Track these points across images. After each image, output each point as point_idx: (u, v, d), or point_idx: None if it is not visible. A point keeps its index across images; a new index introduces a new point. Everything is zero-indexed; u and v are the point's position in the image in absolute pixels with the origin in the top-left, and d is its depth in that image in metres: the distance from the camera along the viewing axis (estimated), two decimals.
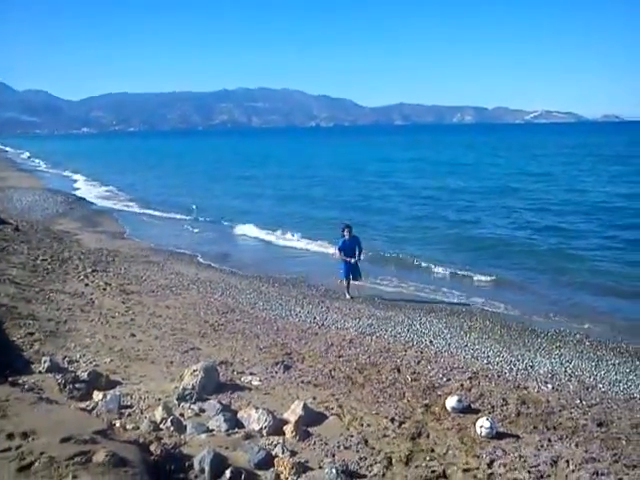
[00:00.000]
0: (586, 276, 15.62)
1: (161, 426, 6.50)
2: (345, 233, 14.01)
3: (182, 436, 6.34)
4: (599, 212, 26.24)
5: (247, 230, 23.80)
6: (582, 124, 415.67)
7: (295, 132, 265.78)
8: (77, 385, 7.36)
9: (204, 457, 5.51)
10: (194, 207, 29.34)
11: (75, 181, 47.01)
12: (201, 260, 18.11)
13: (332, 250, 17.71)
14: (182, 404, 7.37)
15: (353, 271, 14.18)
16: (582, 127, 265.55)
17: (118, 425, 6.22)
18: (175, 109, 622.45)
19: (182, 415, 7.02)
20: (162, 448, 5.44)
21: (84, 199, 33.93)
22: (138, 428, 6.34)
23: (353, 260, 14.07)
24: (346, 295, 14.08)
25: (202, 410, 7.20)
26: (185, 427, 6.58)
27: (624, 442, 6.92)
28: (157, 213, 29.51)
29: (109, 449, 4.46)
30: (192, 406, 7.31)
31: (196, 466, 5.49)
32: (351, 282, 14.28)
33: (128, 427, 6.29)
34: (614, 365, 9.80)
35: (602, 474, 6.02)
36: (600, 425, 7.40)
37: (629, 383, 9.02)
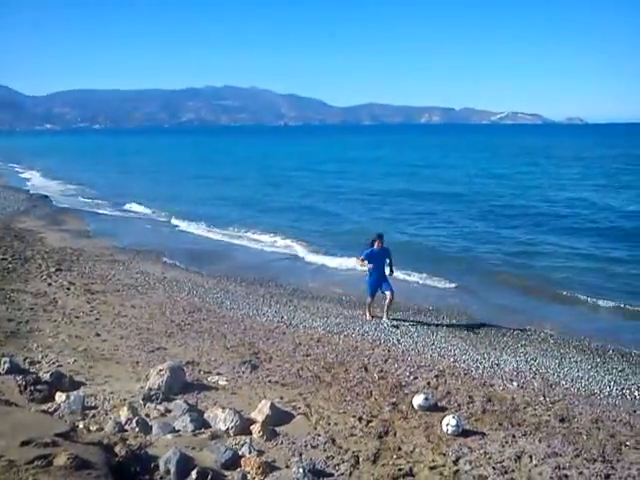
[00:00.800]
0: (545, 278, 15.78)
1: (126, 427, 6.41)
2: (376, 244, 12.08)
3: (148, 437, 6.26)
4: (551, 216, 26.22)
5: (200, 229, 23.98)
6: (547, 126, 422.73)
7: (262, 131, 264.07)
8: (38, 387, 7.22)
9: (170, 458, 5.45)
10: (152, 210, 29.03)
11: (37, 178, 46.06)
12: (167, 259, 17.89)
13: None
14: (148, 404, 7.28)
15: (382, 284, 12.21)
16: (547, 129, 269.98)
17: (81, 427, 6.12)
18: (142, 107, 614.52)
19: (148, 415, 6.94)
20: (127, 449, 5.36)
21: (47, 197, 33.24)
22: (102, 429, 6.24)
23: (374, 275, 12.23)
24: (366, 315, 12.39)
25: (168, 410, 7.12)
26: (151, 427, 6.50)
27: (585, 437, 7.05)
28: (123, 212, 29.12)
29: (71, 452, 4.38)
30: (158, 406, 7.23)
31: (162, 467, 5.42)
32: (380, 299, 12.44)
33: (92, 428, 6.19)
34: (576, 362, 9.98)
35: (564, 468, 6.13)
36: (562, 421, 7.53)
37: (590, 379, 9.19)
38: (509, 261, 17.63)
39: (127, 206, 30.39)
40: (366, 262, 12.13)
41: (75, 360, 8.82)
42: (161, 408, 7.17)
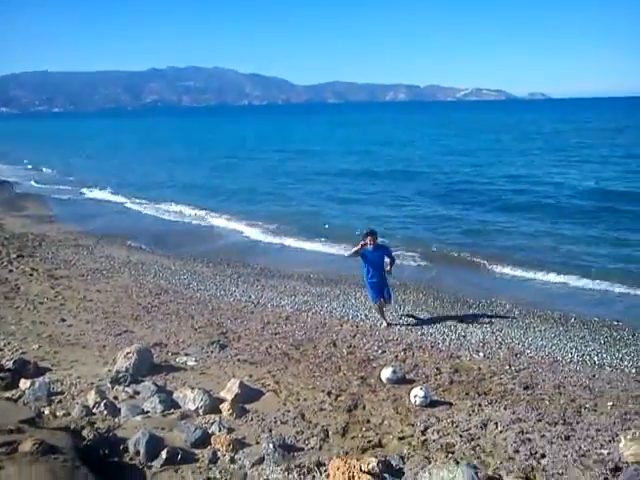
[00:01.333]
0: (505, 255, 15.96)
1: (94, 410, 6.39)
2: (368, 241, 10.21)
3: (116, 419, 6.25)
4: (509, 193, 26.20)
5: (177, 209, 23.87)
6: (510, 102, 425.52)
7: (226, 111, 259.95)
8: (1, 374, 7.12)
9: (139, 439, 5.46)
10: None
11: None
12: (132, 243, 17.68)
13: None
14: (116, 387, 7.25)
15: (382, 289, 10.56)
16: (510, 105, 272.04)
17: (47, 413, 6.08)
18: (102, 89, 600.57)
19: (116, 398, 6.92)
20: (95, 432, 5.36)
21: (7, 182, 32.47)
22: (69, 414, 6.21)
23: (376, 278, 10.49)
24: (383, 323, 10.55)
25: (137, 392, 7.11)
26: (119, 410, 6.49)
27: (547, 402, 7.26)
28: (85, 196, 28.71)
29: (37, 437, 4.35)
30: (126, 389, 7.21)
31: (131, 448, 5.43)
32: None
33: (58, 414, 6.15)
34: (540, 331, 10.20)
35: (527, 433, 6.31)
36: (526, 388, 7.72)
37: (553, 347, 9.42)
38: (469, 238, 17.73)
39: (89, 190, 29.90)
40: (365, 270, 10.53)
41: (40, 346, 8.72)
42: (129, 390, 7.15)
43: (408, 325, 10.52)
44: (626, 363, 8.79)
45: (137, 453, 5.37)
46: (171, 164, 41.66)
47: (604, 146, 44.69)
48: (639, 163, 33.88)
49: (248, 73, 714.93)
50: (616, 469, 5.48)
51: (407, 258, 15.40)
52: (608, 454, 5.80)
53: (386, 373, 7.85)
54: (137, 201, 26.28)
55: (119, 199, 27.27)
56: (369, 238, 10.21)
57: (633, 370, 8.55)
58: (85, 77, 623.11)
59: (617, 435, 6.13)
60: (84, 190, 30.08)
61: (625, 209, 20.85)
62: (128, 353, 7.77)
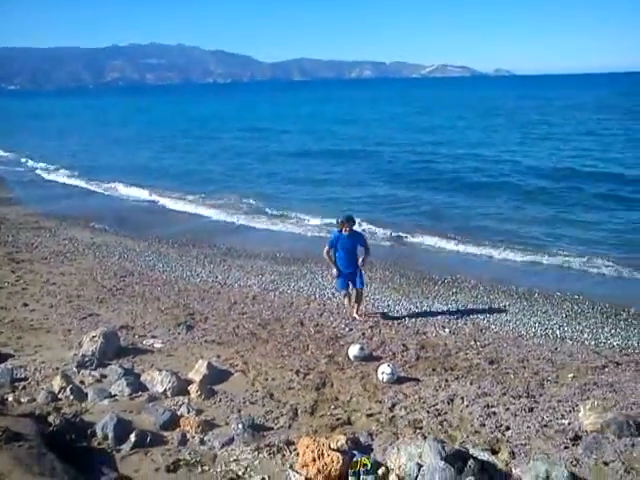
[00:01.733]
0: (471, 227, 16.36)
1: (60, 396, 6.31)
2: (344, 228, 9.52)
3: (83, 404, 6.20)
4: (468, 171, 26.38)
5: (138, 191, 23.56)
6: (475, 78, 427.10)
7: (190, 89, 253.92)
8: None
9: (107, 423, 5.43)
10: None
11: None
12: (96, 224, 17.37)
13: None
14: (82, 371, 7.18)
15: (352, 278, 9.80)
16: (475, 82, 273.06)
17: (11, 399, 5.98)
18: (62, 66, 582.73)
19: (82, 383, 6.84)
20: (61, 418, 5.30)
21: None
22: (34, 400, 6.12)
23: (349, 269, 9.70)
24: (353, 314, 9.85)
25: (103, 376, 7.05)
26: (86, 395, 6.43)
27: (512, 376, 7.44)
28: (47, 177, 28.09)
29: (0, 425, 4.28)
30: (93, 372, 7.14)
31: (99, 433, 5.40)
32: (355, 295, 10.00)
33: (23, 400, 6.06)
34: (505, 307, 10.40)
35: (492, 406, 6.46)
36: (492, 363, 7.89)
37: (517, 322, 9.63)
38: (432, 218, 17.83)
39: (49, 172, 29.26)
40: (333, 252, 9.68)
41: (1, 332, 8.55)
42: (96, 374, 7.08)
43: (375, 302, 10.61)
44: (586, 336, 9.06)
45: (105, 437, 5.34)
46: (132, 145, 40.94)
47: (567, 124, 45.22)
48: (598, 140, 34.44)
49: (213, 50, 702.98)
50: (576, 438, 5.67)
51: (372, 237, 15.43)
52: (569, 424, 5.99)
53: (353, 350, 7.92)
54: (99, 183, 25.71)
55: (80, 181, 26.67)
56: (344, 225, 9.49)
57: (592, 342, 8.82)
58: (43, 53, 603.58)
59: (577, 405, 6.33)
60: (43, 172, 29.45)
61: (582, 187, 21.25)
62: (94, 336, 7.69)
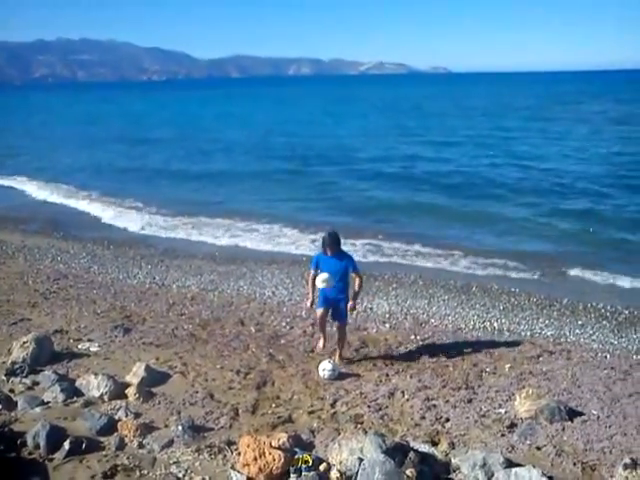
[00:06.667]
0: (405, 222, 16.68)
1: None
2: (327, 249, 7.69)
3: (12, 413, 5.93)
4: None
5: (67, 191, 22.87)
6: (412, 76, 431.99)
7: (121, 87, 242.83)
8: None
9: (38, 431, 5.22)
10: None
11: None
12: (26, 227, 16.72)
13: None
14: (11, 379, 6.87)
15: (334, 308, 7.82)
16: (411, 79, 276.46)
17: None
18: None
19: (12, 391, 6.55)
20: None
21: None
22: None
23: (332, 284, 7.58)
24: (320, 342, 8.15)
25: (35, 383, 6.78)
26: (15, 403, 6.15)
27: (451, 368, 7.59)
28: None
29: None
30: (24, 380, 6.85)
31: (30, 442, 5.19)
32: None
33: None
34: (444, 301, 10.61)
35: (432, 399, 6.58)
36: (431, 356, 8.02)
37: (457, 316, 9.84)
38: (367, 217, 17.86)
39: None
40: (315, 276, 7.75)
41: None
42: (27, 381, 6.79)
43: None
44: (522, 327, 9.35)
45: (37, 446, 5.12)
46: (58, 143, 39.36)
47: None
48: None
49: (147, 46, 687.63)
50: (512, 425, 5.87)
51: (303, 239, 15.43)
52: (505, 412, 6.17)
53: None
54: (27, 183, 24.71)
55: (5, 181, 25.53)
56: (328, 246, 7.66)
57: (528, 333, 9.11)
58: None
59: (513, 394, 6.52)
60: None
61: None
62: (25, 342, 7.39)
